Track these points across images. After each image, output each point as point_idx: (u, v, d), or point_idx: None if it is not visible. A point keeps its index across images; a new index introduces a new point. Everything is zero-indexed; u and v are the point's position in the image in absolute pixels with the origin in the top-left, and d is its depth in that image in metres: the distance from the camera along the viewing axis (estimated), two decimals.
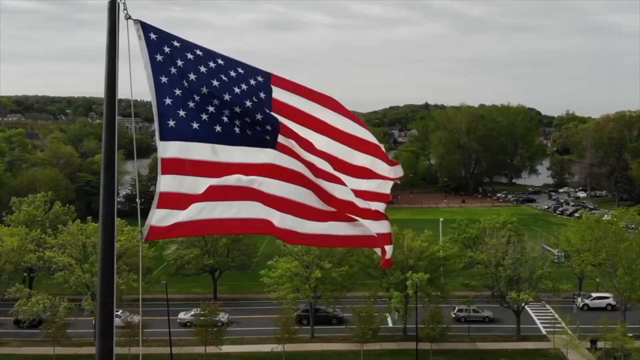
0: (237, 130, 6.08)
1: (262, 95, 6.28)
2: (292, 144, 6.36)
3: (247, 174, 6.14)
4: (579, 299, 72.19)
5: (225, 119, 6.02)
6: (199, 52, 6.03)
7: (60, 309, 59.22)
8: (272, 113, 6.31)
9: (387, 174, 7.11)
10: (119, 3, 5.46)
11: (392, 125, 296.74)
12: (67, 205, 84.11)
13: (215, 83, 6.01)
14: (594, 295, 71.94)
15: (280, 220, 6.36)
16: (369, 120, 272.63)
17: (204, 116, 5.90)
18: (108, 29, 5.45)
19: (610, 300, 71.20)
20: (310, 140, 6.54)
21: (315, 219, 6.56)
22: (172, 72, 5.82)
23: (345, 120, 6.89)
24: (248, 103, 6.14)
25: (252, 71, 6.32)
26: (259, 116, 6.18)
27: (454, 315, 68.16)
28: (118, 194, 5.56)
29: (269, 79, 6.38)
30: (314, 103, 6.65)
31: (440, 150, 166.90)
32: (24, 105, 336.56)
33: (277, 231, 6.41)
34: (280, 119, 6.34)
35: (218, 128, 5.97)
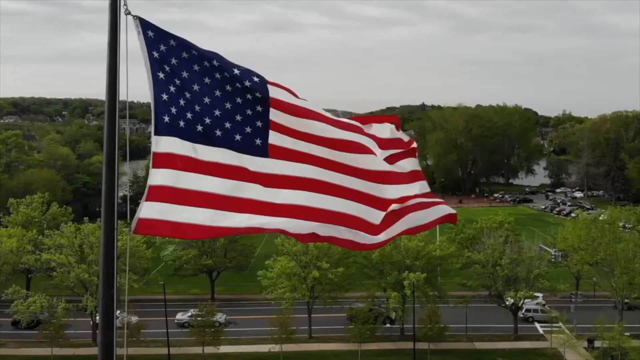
0: (218, 132, 6.17)
1: (257, 94, 6.38)
2: (287, 141, 6.47)
3: (239, 179, 6.22)
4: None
5: (207, 120, 6.12)
6: (194, 52, 6.12)
7: (58, 310, 59.28)
8: (269, 108, 6.42)
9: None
10: (119, 0, 5.54)
11: None
12: (64, 206, 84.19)
13: (207, 81, 6.12)
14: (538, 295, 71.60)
15: (290, 226, 6.49)
16: None
17: (189, 115, 6.02)
18: (109, 26, 5.54)
19: (540, 300, 71.54)
20: (311, 131, 6.65)
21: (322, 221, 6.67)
22: (167, 70, 5.93)
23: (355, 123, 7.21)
24: (238, 99, 6.25)
25: (248, 72, 6.41)
26: (249, 111, 6.29)
27: (522, 315, 67.70)
28: (117, 198, 5.66)
29: (265, 81, 6.48)
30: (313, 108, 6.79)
31: (437, 150, 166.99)
32: (21, 107, 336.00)
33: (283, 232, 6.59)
34: (275, 112, 6.44)
35: (199, 128, 6.07)
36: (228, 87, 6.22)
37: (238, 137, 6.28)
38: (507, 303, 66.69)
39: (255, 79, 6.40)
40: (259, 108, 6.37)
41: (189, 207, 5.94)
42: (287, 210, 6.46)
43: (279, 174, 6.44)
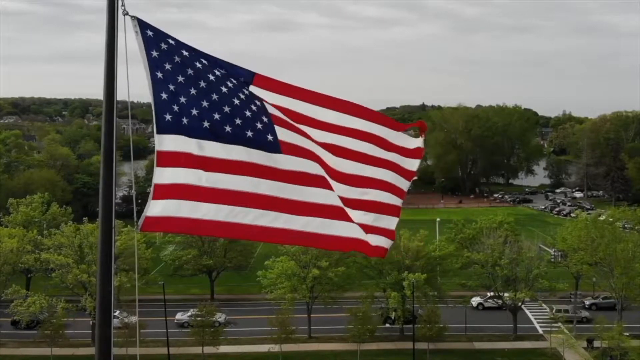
0: (228, 128, 6.18)
1: (246, 91, 6.42)
2: (293, 136, 6.52)
3: (245, 174, 6.21)
4: (477, 298, 71.75)
5: (216, 115, 6.13)
6: (192, 52, 6.16)
7: (58, 310, 59.28)
8: (261, 103, 6.46)
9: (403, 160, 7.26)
10: (117, 0, 5.59)
11: None
12: (64, 206, 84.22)
13: (210, 79, 6.15)
14: (489, 294, 71.31)
15: (302, 225, 6.47)
16: None
17: (194, 111, 6.03)
18: (107, 26, 5.59)
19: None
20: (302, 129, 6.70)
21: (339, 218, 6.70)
22: (166, 68, 5.96)
23: (344, 116, 6.97)
24: (236, 101, 6.28)
25: (236, 70, 6.44)
26: (254, 107, 6.32)
27: (552, 316, 67.61)
28: (115, 195, 5.71)
29: (252, 79, 6.50)
30: (300, 101, 6.73)
31: (437, 150, 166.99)
32: (21, 107, 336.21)
33: (292, 238, 6.55)
34: (271, 110, 6.49)
35: (206, 124, 6.07)
36: (230, 84, 6.26)
37: (250, 133, 6.29)
38: (474, 303, 68.45)
39: (242, 79, 6.46)
40: (252, 107, 6.40)
41: (196, 203, 5.96)
42: (306, 209, 6.48)
43: (295, 170, 6.46)
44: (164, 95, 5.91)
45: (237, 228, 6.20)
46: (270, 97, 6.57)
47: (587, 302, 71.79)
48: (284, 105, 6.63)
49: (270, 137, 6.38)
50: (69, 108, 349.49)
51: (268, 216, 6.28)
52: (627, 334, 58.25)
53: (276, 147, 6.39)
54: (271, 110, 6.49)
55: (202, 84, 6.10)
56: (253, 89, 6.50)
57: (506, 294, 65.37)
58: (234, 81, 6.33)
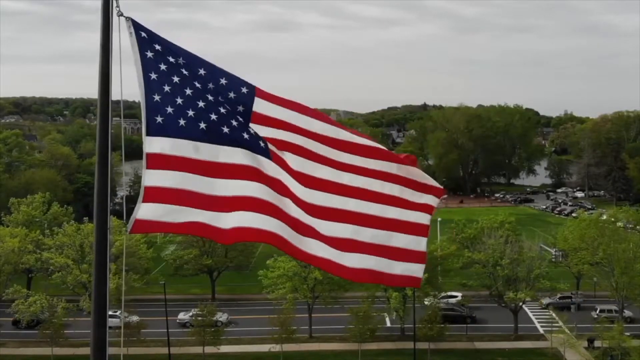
0: (225, 129, 6.14)
1: (248, 102, 6.32)
2: (282, 154, 6.47)
3: (238, 177, 6.18)
4: (431, 298, 71.55)
5: (213, 116, 6.09)
6: (187, 56, 6.13)
7: (58, 310, 59.34)
8: (251, 125, 6.33)
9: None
10: (112, 0, 5.59)
11: (390, 126, 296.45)
12: (65, 206, 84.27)
13: (206, 84, 6.11)
14: (443, 294, 70.88)
15: (284, 231, 6.54)
16: (367, 121, 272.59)
17: (190, 112, 5.98)
18: (102, 27, 5.59)
19: (460, 299, 71.40)
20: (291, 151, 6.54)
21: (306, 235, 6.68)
22: (161, 69, 5.92)
23: (340, 130, 6.79)
24: (222, 110, 6.21)
25: (236, 81, 6.36)
26: (235, 123, 6.26)
27: (596, 316, 66.87)
28: (116, 194, 5.71)
29: (253, 91, 6.40)
30: (301, 114, 6.57)
31: (438, 150, 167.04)
32: (22, 107, 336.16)
33: (279, 241, 6.59)
34: (261, 130, 6.38)
35: (202, 125, 6.03)
36: (222, 96, 6.19)
37: (246, 135, 6.26)
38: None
39: (244, 89, 6.33)
40: (247, 122, 6.33)
41: (187, 208, 5.92)
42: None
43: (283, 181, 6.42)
44: (156, 97, 5.87)
45: (228, 232, 6.18)
46: (269, 109, 6.44)
47: (544, 302, 71.48)
48: (282, 118, 6.48)
49: (262, 144, 6.35)
50: (70, 108, 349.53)
51: (255, 218, 6.25)
52: (628, 333, 58.26)
53: (268, 154, 6.38)
54: (261, 130, 6.39)
55: (197, 84, 6.07)
56: (255, 100, 6.41)
57: (467, 296, 65.02)
58: (232, 93, 6.24)
